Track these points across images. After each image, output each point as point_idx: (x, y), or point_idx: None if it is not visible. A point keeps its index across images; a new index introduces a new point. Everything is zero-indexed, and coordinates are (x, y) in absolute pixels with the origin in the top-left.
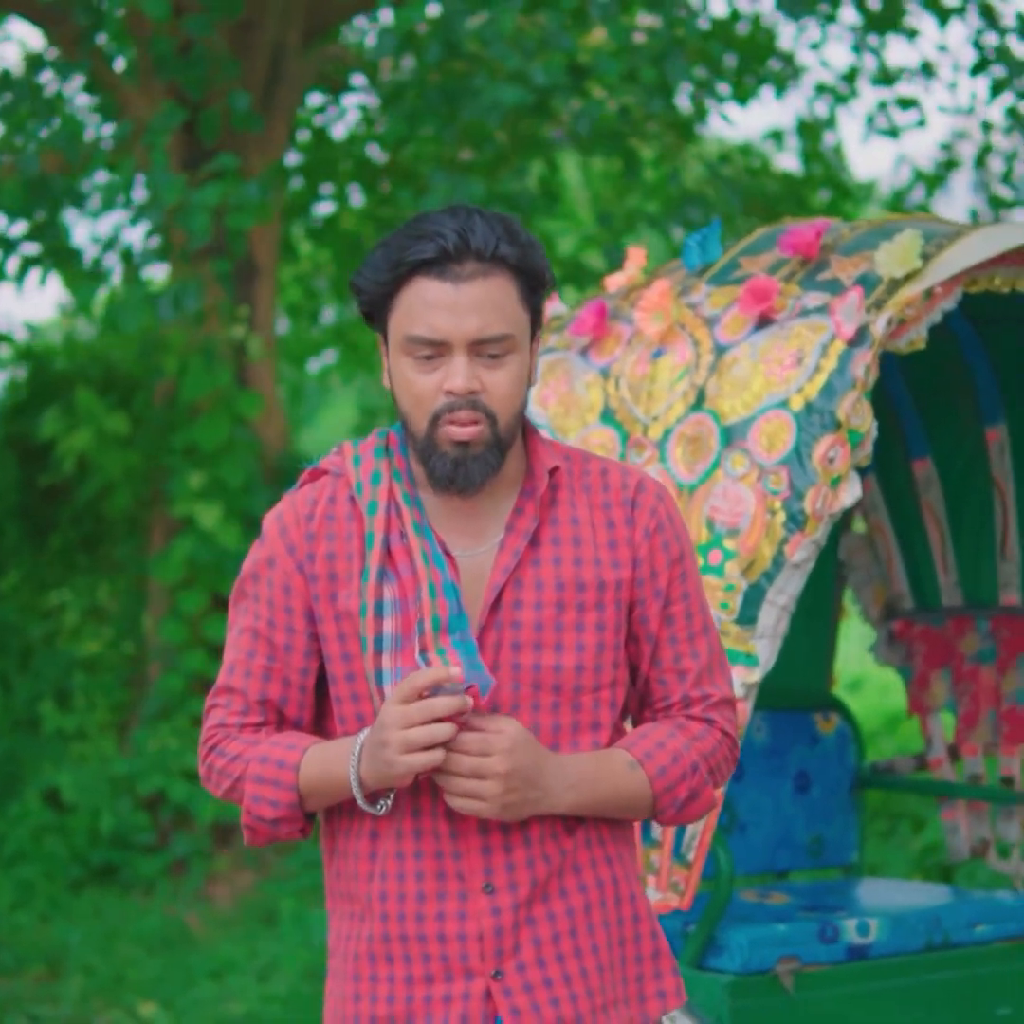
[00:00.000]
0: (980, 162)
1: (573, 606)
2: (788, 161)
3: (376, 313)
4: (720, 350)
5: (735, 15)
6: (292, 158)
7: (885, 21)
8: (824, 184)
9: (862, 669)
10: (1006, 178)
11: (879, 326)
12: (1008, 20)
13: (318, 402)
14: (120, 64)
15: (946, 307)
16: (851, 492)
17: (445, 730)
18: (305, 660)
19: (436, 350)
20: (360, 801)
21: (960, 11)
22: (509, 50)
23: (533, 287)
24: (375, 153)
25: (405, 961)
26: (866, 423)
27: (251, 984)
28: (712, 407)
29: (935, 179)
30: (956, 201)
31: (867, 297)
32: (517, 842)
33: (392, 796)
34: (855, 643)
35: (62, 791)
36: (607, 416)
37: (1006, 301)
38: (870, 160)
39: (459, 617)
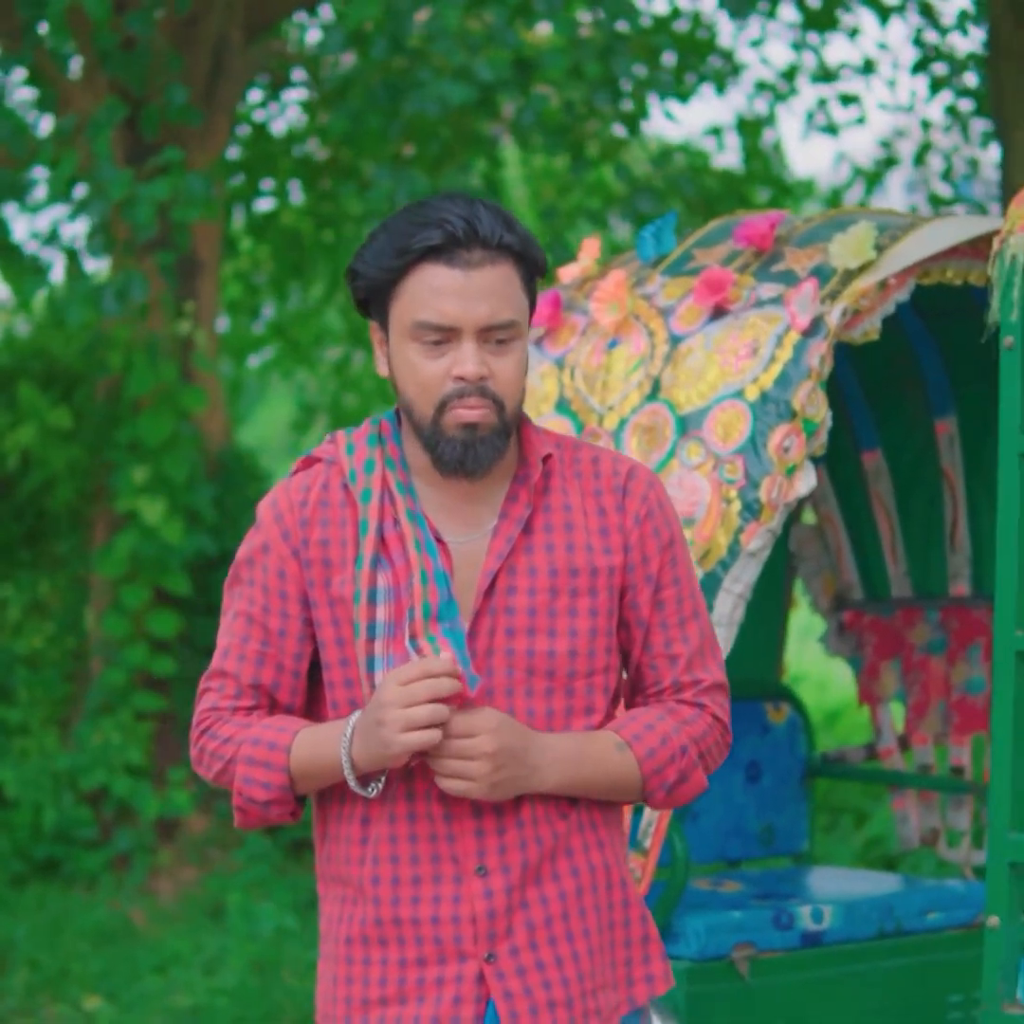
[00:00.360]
0: (919, 160)
1: (566, 592)
2: (728, 159)
3: (375, 300)
4: (675, 340)
5: (676, 12)
6: (233, 153)
7: (824, 19)
8: (763, 182)
9: (799, 666)
10: (945, 176)
11: (834, 317)
12: (948, 19)
13: (255, 399)
14: (73, 66)
15: (900, 298)
16: (806, 481)
17: (446, 709)
18: (299, 645)
19: (444, 336)
20: (352, 783)
21: (900, 9)
22: (454, 46)
23: (532, 275)
24: (315, 149)
25: (398, 944)
26: (821, 413)
27: (197, 977)
28: (667, 397)
29: (874, 176)
30: (891, 200)
31: (822, 288)
32: (510, 824)
33: (383, 779)
34: (794, 638)
35: (4, 786)
36: (562, 406)
37: (955, 294)
38: (810, 158)
39: (448, 605)
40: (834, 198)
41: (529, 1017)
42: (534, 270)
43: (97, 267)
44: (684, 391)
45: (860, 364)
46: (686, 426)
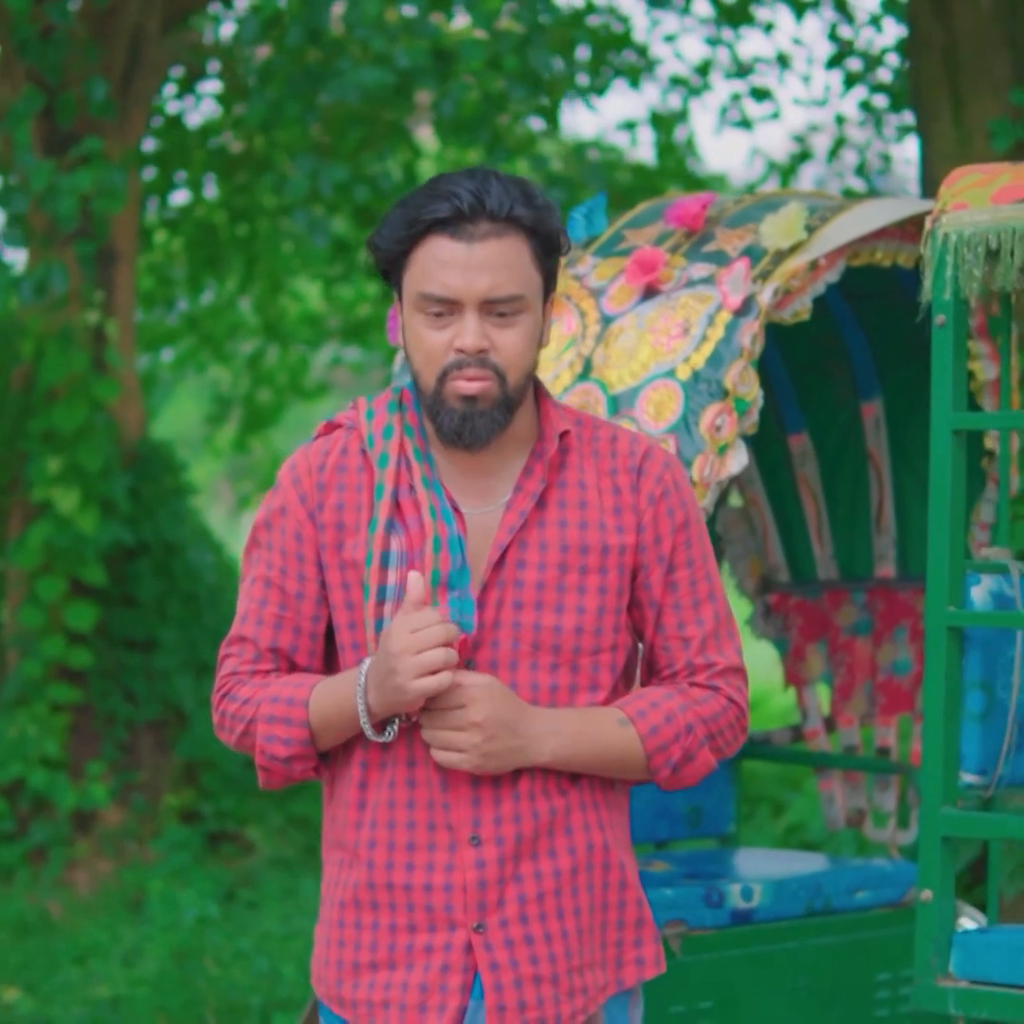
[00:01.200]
0: (833, 154)
1: (576, 568)
2: (641, 154)
3: (392, 271)
4: (607, 320)
5: (590, 6)
6: (148, 146)
7: (738, 14)
8: (676, 177)
9: None
10: (859, 171)
11: (765, 296)
12: (863, 14)
13: (166, 392)
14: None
15: (830, 279)
16: (738, 459)
17: (454, 654)
18: (316, 607)
19: (447, 308)
20: (367, 730)
21: (815, 4)
22: (373, 33)
23: (547, 249)
24: (230, 141)
25: (389, 909)
26: (753, 391)
27: (116, 968)
28: (599, 377)
29: (788, 171)
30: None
31: (753, 268)
32: (507, 796)
33: (397, 723)
34: None
35: None
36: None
37: (880, 276)
38: (723, 152)
39: (461, 572)
40: (748, 193)
41: (513, 990)
42: (549, 244)
43: (12, 258)
44: (616, 371)
45: (786, 347)
46: (618, 405)
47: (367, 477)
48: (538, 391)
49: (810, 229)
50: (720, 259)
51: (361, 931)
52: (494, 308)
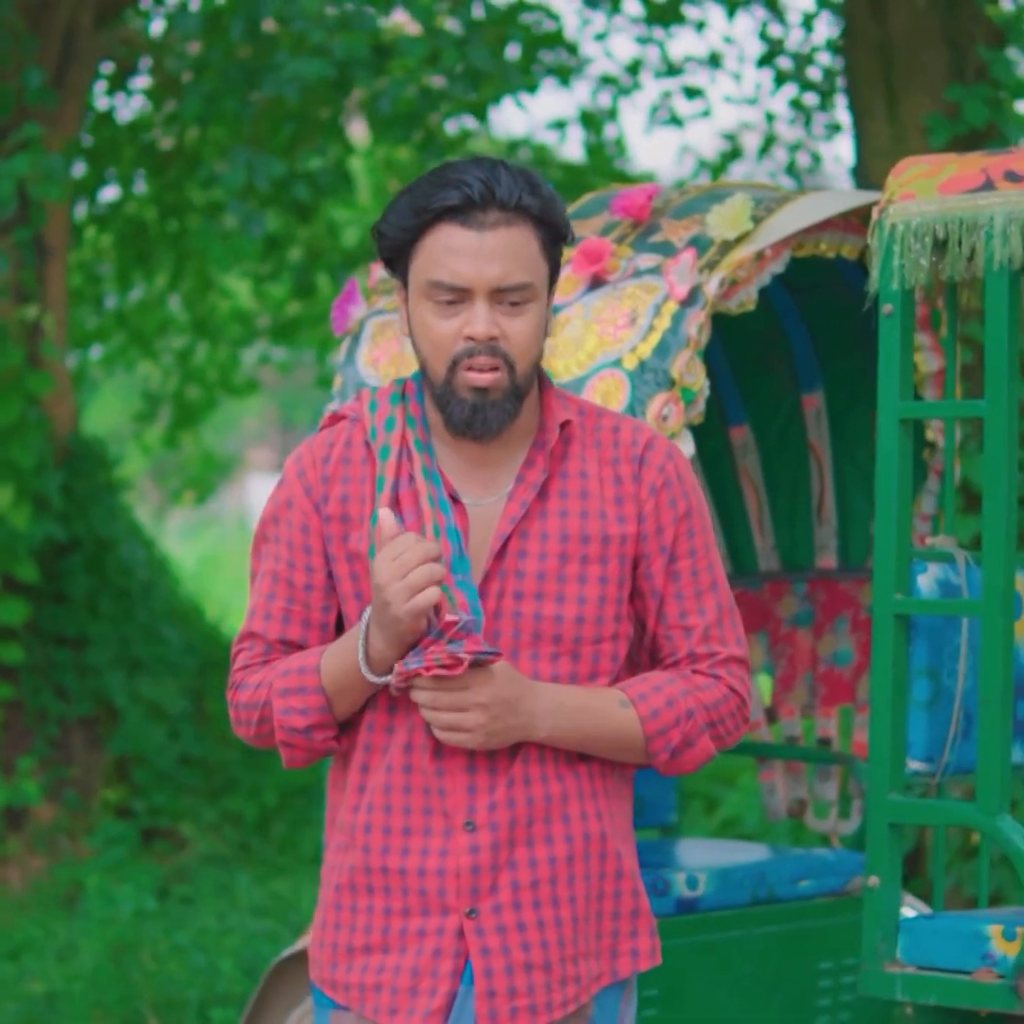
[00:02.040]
0: (764, 152)
1: (576, 558)
2: (571, 152)
3: (398, 259)
4: (553, 310)
5: (522, 4)
6: (82, 140)
7: (669, 13)
8: (605, 175)
9: None
10: (790, 169)
11: (712, 287)
12: (794, 14)
13: (93, 388)
14: None
15: (775, 270)
16: (684, 449)
17: (439, 568)
18: (325, 598)
19: (457, 296)
20: (365, 671)
21: (746, 2)
22: (311, 26)
23: (553, 238)
24: (160, 137)
25: (384, 893)
26: (699, 381)
27: (51, 964)
28: (545, 366)
29: (718, 169)
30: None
31: (699, 258)
32: (502, 783)
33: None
34: None
35: None
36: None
37: (821, 268)
38: (653, 151)
39: (460, 560)
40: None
41: (504, 976)
42: (555, 234)
43: None
44: (562, 360)
45: (728, 339)
46: None
47: (370, 469)
48: (541, 381)
49: (756, 220)
50: (667, 249)
51: (356, 914)
52: (504, 297)
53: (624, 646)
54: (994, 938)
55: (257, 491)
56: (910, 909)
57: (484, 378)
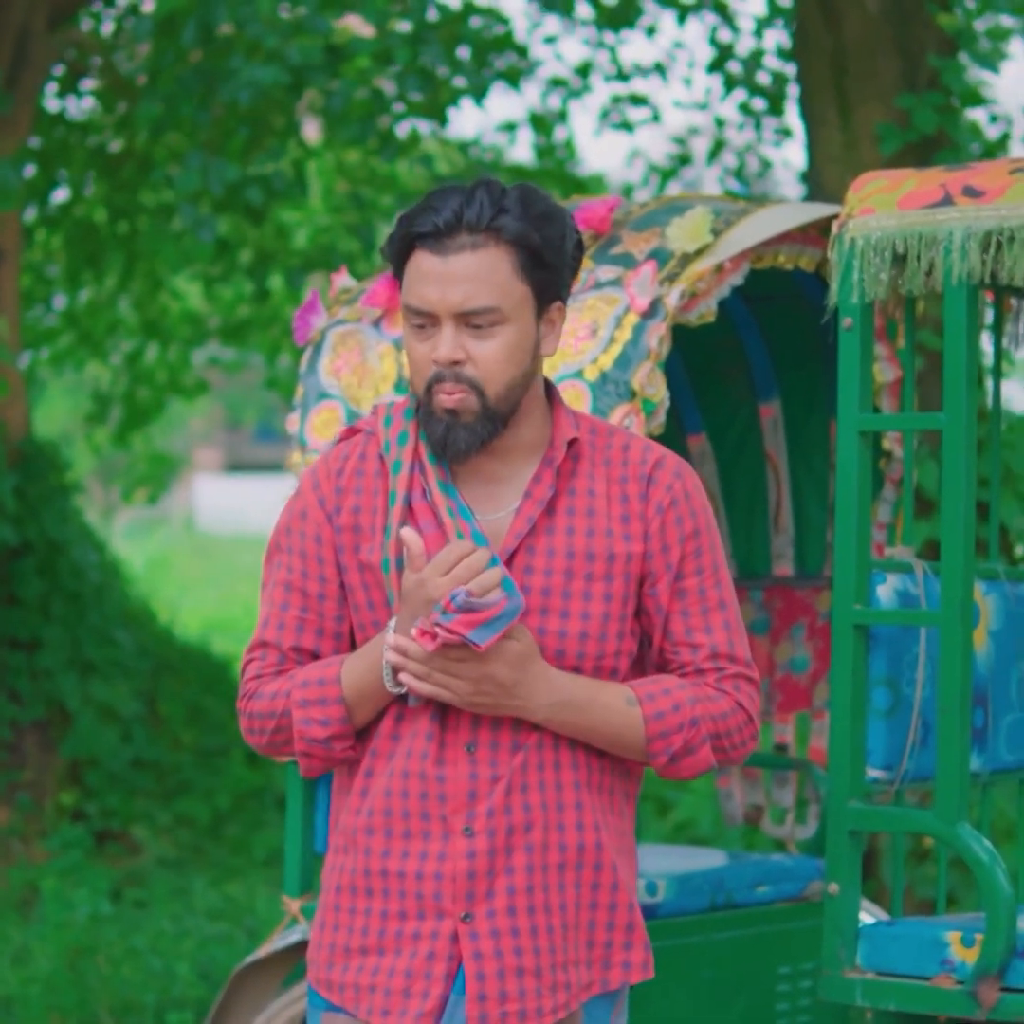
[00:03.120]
0: (713, 157)
1: (582, 575)
2: (520, 154)
3: (400, 281)
4: None
5: (471, 7)
6: (31, 143)
7: (620, 17)
8: (555, 178)
9: None
10: (739, 174)
11: (672, 299)
12: (745, 19)
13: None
14: None
15: (734, 282)
16: None
17: (470, 546)
18: (339, 607)
19: (427, 320)
20: (388, 682)
21: (696, 8)
22: (266, 31)
23: (536, 260)
24: (110, 139)
25: (383, 896)
26: (660, 392)
27: (6, 968)
28: None
29: (668, 174)
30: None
31: (660, 270)
32: (501, 789)
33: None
34: None
35: None
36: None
37: (778, 279)
38: (602, 154)
39: (494, 560)
40: (625, 194)
41: (496, 980)
42: (538, 254)
43: None
44: None
45: (685, 349)
46: None
47: (384, 482)
48: (552, 398)
49: (716, 232)
50: (627, 262)
51: (354, 916)
52: (469, 320)
53: (626, 662)
54: (953, 944)
55: (203, 491)
56: (866, 913)
57: (451, 400)
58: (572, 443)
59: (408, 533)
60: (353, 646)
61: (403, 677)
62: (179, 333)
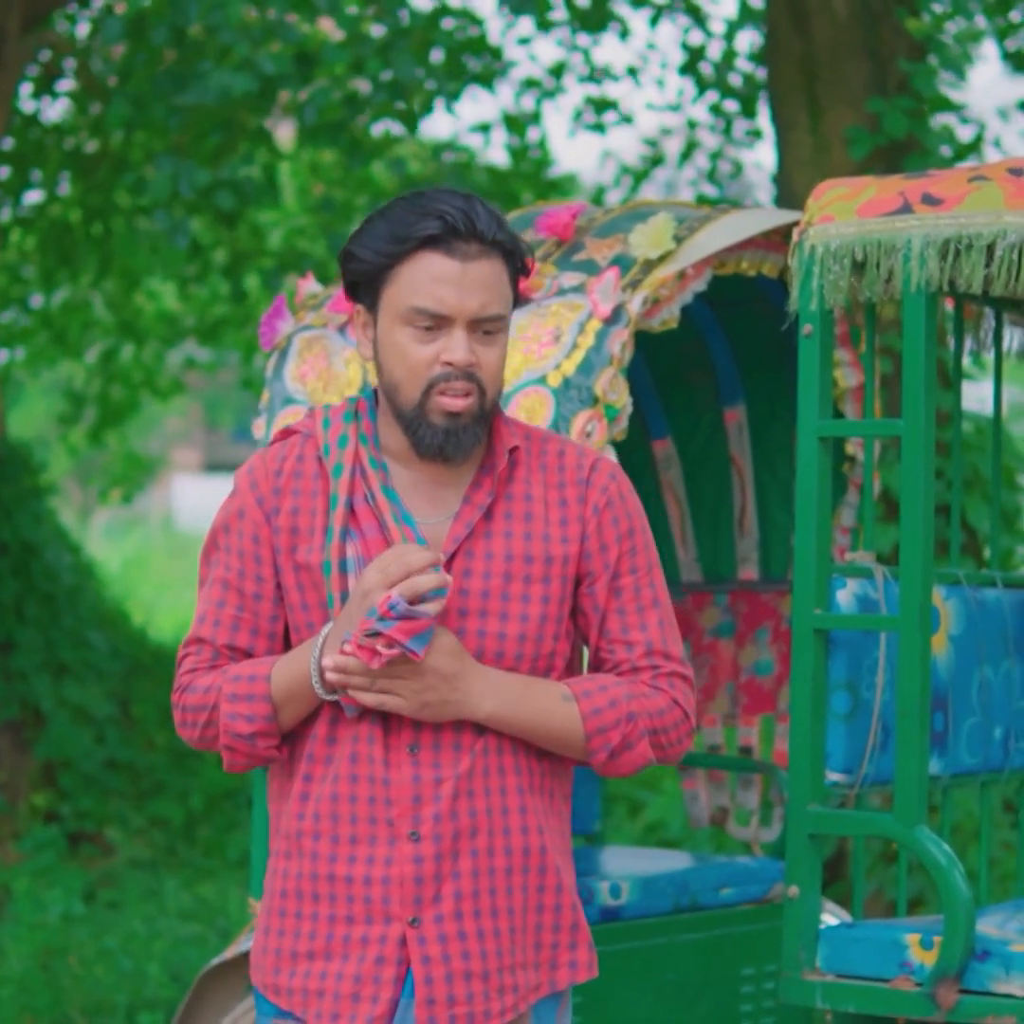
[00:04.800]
0: (685, 158)
1: (520, 578)
2: (494, 155)
3: (367, 284)
4: None
5: (445, 8)
6: (4, 144)
7: (594, 19)
8: (529, 178)
9: None
10: (711, 176)
11: (635, 305)
12: (716, 22)
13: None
14: None
15: (697, 288)
16: None
17: (420, 556)
18: (274, 607)
19: (437, 323)
20: (318, 689)
21: (670, 7)
22: (237, 37)
23: (518, 272)
24: (85, 140)
25: (329, 900)
26: (622, 398)
27: None
28: None
29: (640, 175)
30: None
31: (623, 277)
32: (446, 792)
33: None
34: None
35: None
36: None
37: (743, 284)
38: (576, 154)
39: (435, 568)
40: (598, 195)
41: (444, 983)
42: (519, 268)
43: None
44: None
45: (650, 354)
46: None
47: (322, 484)
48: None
49: (678, 239)
50: (590, 268)
51: (301, 920)
52: (481, 326)
53: (561, 663)
54: (912, 947)
55: (182, 491)
56: (831, 916)
57: (458, 403)
58: (513, 450)
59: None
60: (288, 646)
61: (350, 692)
62: (154, 333)
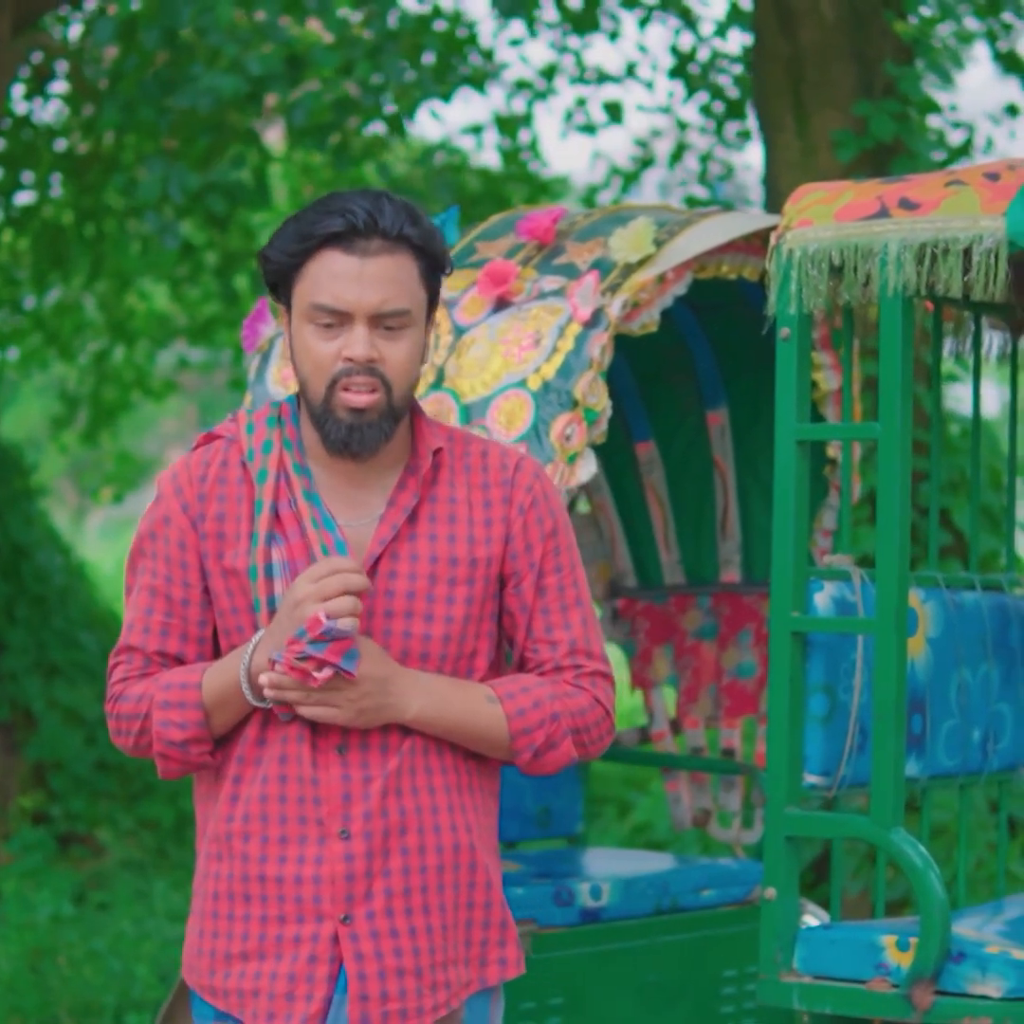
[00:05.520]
0: (675, 159)
1: (445, 580)
2: (486, 157)
3: (282, 283)
4: (459, 331)
5: (436, 11)
6: None
7: (584, 21)
8: (520, 180)
9: None
10: (701, 177)
11: (614, 309)
12: (706, 24)
13: (12, 392)
14: None
15: (677, 292)
16: (587, 468)
17: (359, 603)
18: (202, 612)
19: (338, 319)
20: (248, 695)
21: (662, 6)
22: (227, 40)
23: (433, 269)
24: (77, 142)
25: (261, 901)
26: (602, 402)
27: None
28: (451, 386)
29: (631, 176)
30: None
31: (602, 281)
32: (375, 791)
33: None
34: None
35: None
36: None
37: (724, 288)
38: (567, 155)
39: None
40: (590, 196)
41: (377, 980)
42: (435, 264)
43: None
44: (468, 380)
45: (632, 357)
46: (470, 414)
47: (247, 489)
48: (413, 408)
49: (658, 243)
50: (570, 272)
51: (233, 922)
52: (382, 321)
53: (482, 663)
54: (888, 948)
55: None
56: (814, 917)
57: (361, 399)
58: (437, 452)
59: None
60: (218, 650)
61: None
62: (146, 333)
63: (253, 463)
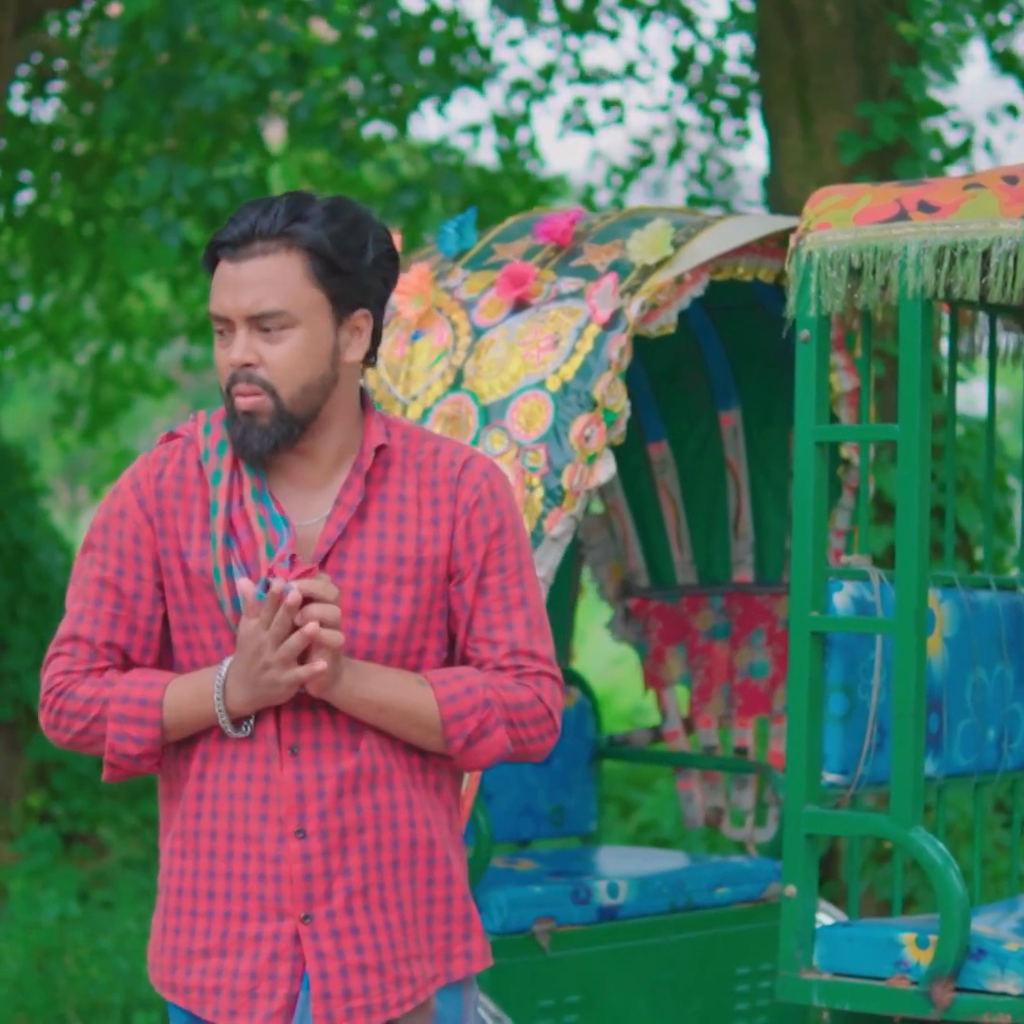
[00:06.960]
0: (673, 159)
1: (391, 579)
2: (484, 156)
3: None
4: (477, 332)
5: (435, 10)
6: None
7: (583, 21)
8: (518, 179)
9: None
10: (700, 177)
11: (633, 310)
12: (706, 23)
13: (8, 391)
14: None
15: (694, 293)
16: (606, 468)
17: (312, 627)
18: (151, 607)
19: (226, 325)
20: (228, 729)
21: (661, 6)
22: (232, 40)
23: (332, 267)
24: (76, 141)
25: (224, 898)
26: (620, 403)
27: None
28: (470, 387)
29: (630, 175)
30: (642, 201)
31: (621, 282)
32: (330, 790)
33: (251, 719)
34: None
35: None
36: None
37: (738, 289)
38: (564, 155)
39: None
40: (588, 196)
41: (339, 978)
42: (331, 263)
43: None
44: (487, 382)
45: (646, 357)
46: (489, 416)
47: (202, 489)
48: (365, 405)
49: (676, 245)
50: (589, 274)
51: (196, 918)
52: (258, 324)
53: (431, 660)
54: (907, 946)
55: None
56: (824, 915)
57: (245, 402)
58: (380, 449)
59: (244, 584)
60: (162, 644)
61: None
62: (145, 332)
63: (208, 464)
